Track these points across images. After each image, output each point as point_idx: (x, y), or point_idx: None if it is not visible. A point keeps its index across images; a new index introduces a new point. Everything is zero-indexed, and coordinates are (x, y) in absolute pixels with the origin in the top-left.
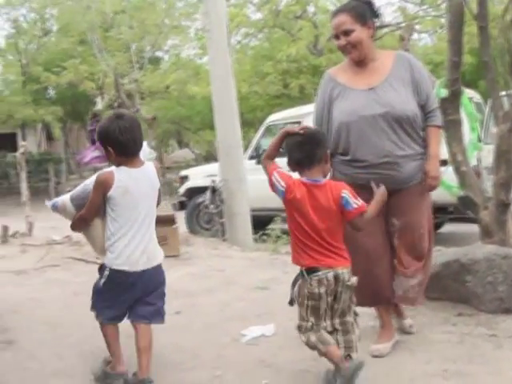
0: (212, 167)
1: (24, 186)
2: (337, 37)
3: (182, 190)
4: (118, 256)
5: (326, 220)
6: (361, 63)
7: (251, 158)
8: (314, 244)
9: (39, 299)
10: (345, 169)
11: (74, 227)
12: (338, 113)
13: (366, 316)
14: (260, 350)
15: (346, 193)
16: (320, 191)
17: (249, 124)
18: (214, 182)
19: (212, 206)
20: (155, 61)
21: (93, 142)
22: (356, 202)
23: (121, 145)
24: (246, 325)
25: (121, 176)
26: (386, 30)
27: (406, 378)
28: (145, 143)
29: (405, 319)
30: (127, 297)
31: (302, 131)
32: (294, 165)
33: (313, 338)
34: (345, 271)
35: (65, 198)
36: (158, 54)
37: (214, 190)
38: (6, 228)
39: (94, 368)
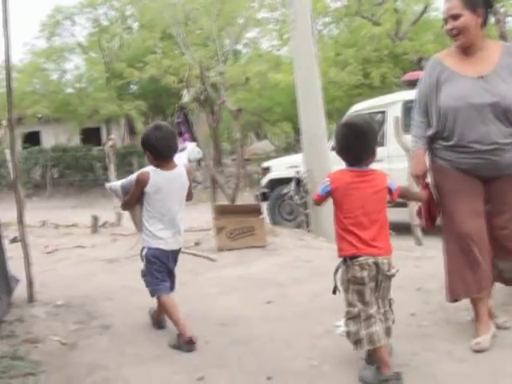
0: (294, 158)
1: (113, 178)
2: (445, 21)
3: (265, 181)
4: (153, 238)
5: (370, 208)
6: (468, 50)
7: (333, 149)
8: (359, 231)
9: (132, 287)
10: (447, 154)
11: (122, 207)
12: (446, 97)
13: (463, 311)
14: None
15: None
16: (369, 178)
17: (328, 115)
18: (298, 172)
19: (297, 197)
20: (234, 54)
21: (180, 134)
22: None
23: (157, 151)
24: (338, 316)
25: (155, 177)
26: None
27: (508, 375)
28: (193, 144)
29: (497, 317)
30: (165, 269)
31: None
32: (352, 159)
33: (362, 333)
34: (385, 261)
35: (117, 184)
36: (238, 47)
37: (298, 181)
38: (96, 218)
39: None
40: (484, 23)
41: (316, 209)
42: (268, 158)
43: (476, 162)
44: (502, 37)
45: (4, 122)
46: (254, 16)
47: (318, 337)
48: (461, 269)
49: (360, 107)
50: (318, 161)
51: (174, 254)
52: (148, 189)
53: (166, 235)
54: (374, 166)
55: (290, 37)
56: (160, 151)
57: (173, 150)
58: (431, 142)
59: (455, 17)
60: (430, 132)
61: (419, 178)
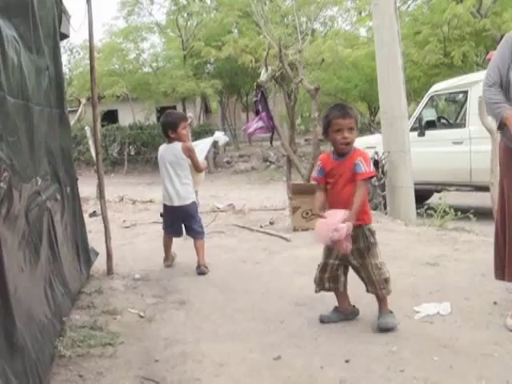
0: (371, 139)
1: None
2: None
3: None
4: (163, 196)
5: None
6: None
7: (413, 129)
8: None
9: (208, 263)
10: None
11: None
12: None
13: None
14: (436, 329)
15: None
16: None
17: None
18: (376, 153)
19: (374, 179)
20: (311, 32)
21: (256, 113)
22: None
23: (165, 132)
24: (418, 301)
25: (161, 148)
26: None
27: None
28: (221, 133)
29: None
30: (173, 221)
31: None
32: None
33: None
34: None
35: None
36: (314, 25)
37: (376, 162)
38: None
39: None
40: None
41: (393, 191)
42: None
43: None
44: None
45: (83, 100)
46: None
47: (398, 322)
48: (510, 253)
49: (441, 87)
50: (397, 142)
51: (181, 209)
52: (158, 157)
53: (170, 193)
54: (453, 148)
55: (372, 13)
56: (166, 132)
57: (166, 129)
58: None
59: None
60: None
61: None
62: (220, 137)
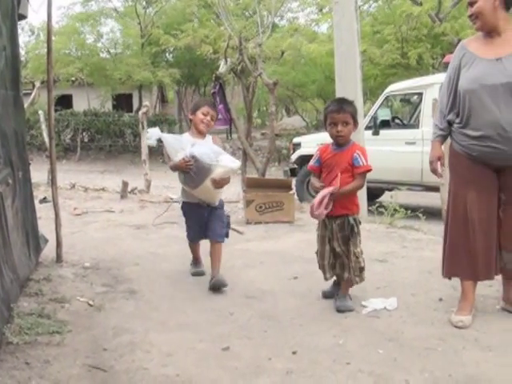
0: (326, 135)
1: (144, 145)
2: (468, 4)
3: (294, 157)
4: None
5: None
6: (491, 34)
7: (368, 128)
8: None
9: (159, 254)
10: (461, 139)
11: None
12: (463, 80)
13: (492, 299)
14: (382, 323)
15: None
16: None
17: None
18: None
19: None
20: (272, 27)
21: (214, 105)
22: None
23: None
24: (366, 296)
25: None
26: None
27: None
28: (154, 129)
29: None
30: (198, 223)
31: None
32: None
33: None
34: None
35: None
36: (275, 20)
37: None
38: (125, 184)
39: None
40: (507, 6)
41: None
42: (298, 134)
43: (485, 151)
44: None
45: (37, 84)
46: None
47: (345, 315)
48: (459, 253)
49: (396, 87)
50: (353, 139)
51: (202, 209)
52: None
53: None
54: (405, 148)
55: (333, 11)
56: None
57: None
58: (450, 125)
59: (472, 3)
60: (450, 117)
61: (433, 164)
62: (151, 135)
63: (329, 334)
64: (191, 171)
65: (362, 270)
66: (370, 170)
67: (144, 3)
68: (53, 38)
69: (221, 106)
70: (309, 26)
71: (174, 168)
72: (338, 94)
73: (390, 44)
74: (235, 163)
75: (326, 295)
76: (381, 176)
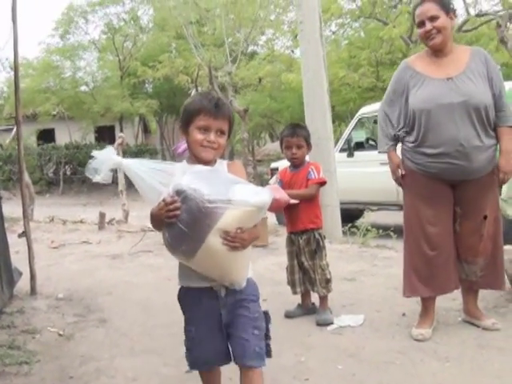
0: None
1: (121, 176)
2: (422, 23)
3: (272, 181)
4: (180, 274)
5: None
6: (439, 53)
7: (342, 150)
8: None
9: (133, 282)
10: (416, 158)
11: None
12: (415, 100)
13: (454, 311)
14: (345, 340)
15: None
16: None
17: (341, 117)
18: None
19: None
20: (250, 55)
21: None
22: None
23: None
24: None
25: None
26: (483, 18)
27: (493, 375)
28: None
29: (484, 320)
30: (208, 331)
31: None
32: None
33: None
34: None
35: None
36: (253, 48)
37: None
38: (103, 215)
39: None
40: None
41: (322, 208)
42: (279, 158)
43: (444, 167)
44: (503, 41)
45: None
46: (266, 17)
47: (309, 334)
48: (416, 270)
49: (368, 109)
50: (323, 162)
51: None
52: None
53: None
54: (380, 168)
55: (299, 39)
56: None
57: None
58: (400, 141)
59: (433, 18)
60: (400, 133)
61: (396, 173)
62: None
63: (291, 352)
64: (179, 222)
65: (328, 281)
66: (322, 182)
67: (121, 38)
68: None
69: None
70: (284, 52)
71: (152, 220)
72: (307, 120)
73: (364, 68)
74: (261, 195)
75: (289, 315)
76: (357, 197)
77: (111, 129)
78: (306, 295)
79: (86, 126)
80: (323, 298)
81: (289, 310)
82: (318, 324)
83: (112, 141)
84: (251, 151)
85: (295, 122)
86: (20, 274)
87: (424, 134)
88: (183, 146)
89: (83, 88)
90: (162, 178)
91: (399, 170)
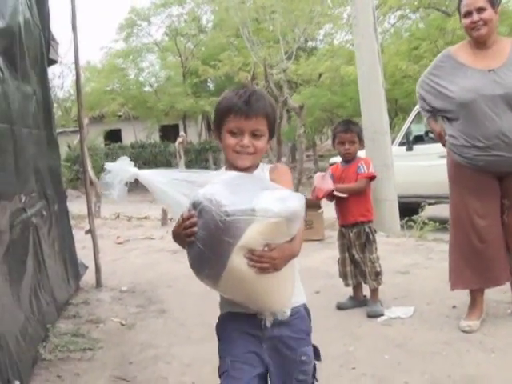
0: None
1: None
2: (469, 14)
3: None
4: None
5: None
6: (482, 45)
7: (401, 144)
8: None
9: (192, 275)
10: (463, 151)
11: None
12: (458, 90)
13: (504, 304)
14: (393, 331)
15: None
16: None
17: (405, 110)
18: None
19: None
20: (310, 50)
21: None
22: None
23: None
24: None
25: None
26: None
27: None
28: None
29: None
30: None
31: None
32: None
33: None
34: None
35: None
36: (313, 43)
37: None
38: (165, 211)
39: None
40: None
41: (377, 204)
42: None
43: (491, 160)
44: None
45: (86, 121)
46: (324, 12)
47: (360, 325)
48: (465, 263)
49: None
50: (379, 156)
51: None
52: None
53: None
54: (439, 161)
55: (353, 33)
56: None
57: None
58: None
59: (481, 9)
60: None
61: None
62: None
63: (340, 342)
64: (197, 240)
65: (378, 274)
66: (371, 177)
67: (182, 39)
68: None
69: None
70: (343, 46)
71: (175, 239)
72: (363, 114)
73: (426, 59)
74: (288, 202)
75: (341, 307)
76: (415, 191)
77: (175, 127)
78: (357, 287)
79: (151, 126)
80: (374, 291)
81: (341, 302)
82: (369, 316)
83: (176, 139)
84: (312, 146)
85: (347, 119)
86: (86, 267)
87: (467, 125)
88: None
89: (147, 89)
90: (188, 189)
91: (442, 136)
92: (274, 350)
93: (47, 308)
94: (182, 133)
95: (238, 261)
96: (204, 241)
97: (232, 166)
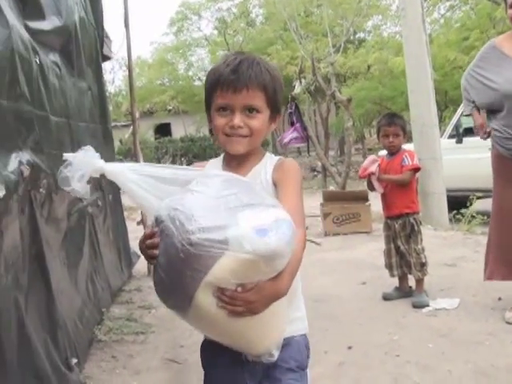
0: (408, 147)
1: None
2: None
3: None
4: None
5: None
6: None
7: (450, 136)
8: None
9: None
10: (506, 143)
11: None
12: (503, 82)
13: None
14: (438, 321)
15: None
16: None
17: (456, 102)
18: None
19: None
20: (358, 42)
21: (291, 124)
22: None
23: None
24: (430, 297)
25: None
26: None
27: None
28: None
29: None
30: None
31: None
32: None
33: None
34: None
35: None
36: (361, 35)
37: None
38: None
39: None
40: None
41: (425, 197)
42: None
43: None
44: None
45: (136, 115)
46: (372, 3)
47: (405, 315)
48: (503, 254)
49: None
50: (428, 149)
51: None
52: None
53: None
54: (489, 154)
55: (401, 25)
56: None
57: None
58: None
59: None
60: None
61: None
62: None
63: (385, 331)
64: (158, 266)
65: (423, 265)
66: (416, 169)
67: (231, 32)
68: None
69: (298, 125)
70: (392, 38)
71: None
72: (411, 106)
73: (476, 50)
74: (270, 237)
75: (386, 297)
76: (466, 184)
77: None
78: (403, 278)
79: (200, 120)
80: (419, 281)
81: (386, 292)
82: (414, 306)
83: None
84: (361, 140)
85: (391, 112)
86: (138, 256)
87: (511, 117)
88: (289, 135)
89: (196, 83)
90: (164, 191)
91: (483, 129)
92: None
93: (102, 293)
94: None
95: (205, 299)
96: (165, 269)
97: (227, 155)
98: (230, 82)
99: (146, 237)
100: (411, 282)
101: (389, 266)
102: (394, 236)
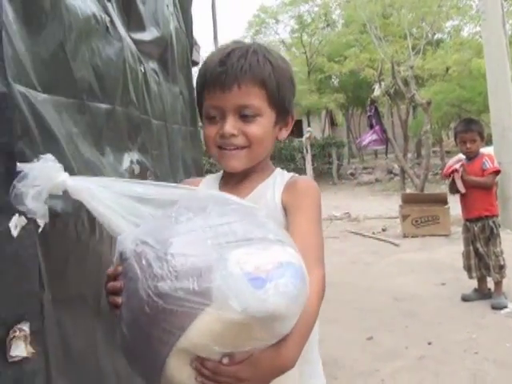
0: (486, 150)
1: (309, 167)
2: None
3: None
4: None
5: None
6: None
7: None
8: None
9: None
10: None
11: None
12: None
13: None
14: None
15: None
16: None
17: None
18: None
19: None
20: (436, 43)
21: (371, 127)
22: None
23: None
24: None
25: None
26: None
27: None
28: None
29: None
30: None
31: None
32: None
33: None
34: None
35: None
36: (439, 36)
37: None
38: None
39: None
40: None
41: (505, 201)
42: None
43: None
44: None
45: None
46: (453, 4)
47: (483, 315)
48: None
49: None
50: (508, 153)
51: None
52: None
53: None
54: None
55: (481, 28)
56: None
57: None
58: None
59: None
60: None
61: None
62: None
63: (464, 330)
64: (121, 319)
65: (501, 267)
66: (497, 171)
67: (309, 32)
68: None
69: (377, 128)
70: (472, 38)
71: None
72: (492, 110)
73: None
74: (269, 294)
75: (465, 298)
76: None
77: (299, 123)
78: (481, 280)
79: None
80: (497, 284)
81: (465, 294)
82: (493, 307)
83: (299, 134)
84: (439, 142)
85: (468, 118)
86: None
87: None
88: (368, 137)
89: None
90: (138, 216)
91: None
92: None
93: None
94: (309, 128)
95: (178, 371)
96: (128, 326)
97: (225, 171)
98: (216, 76)
99: (109, 277)
100: (490, 284)
101: (467, 268)
102: (473, 238)
